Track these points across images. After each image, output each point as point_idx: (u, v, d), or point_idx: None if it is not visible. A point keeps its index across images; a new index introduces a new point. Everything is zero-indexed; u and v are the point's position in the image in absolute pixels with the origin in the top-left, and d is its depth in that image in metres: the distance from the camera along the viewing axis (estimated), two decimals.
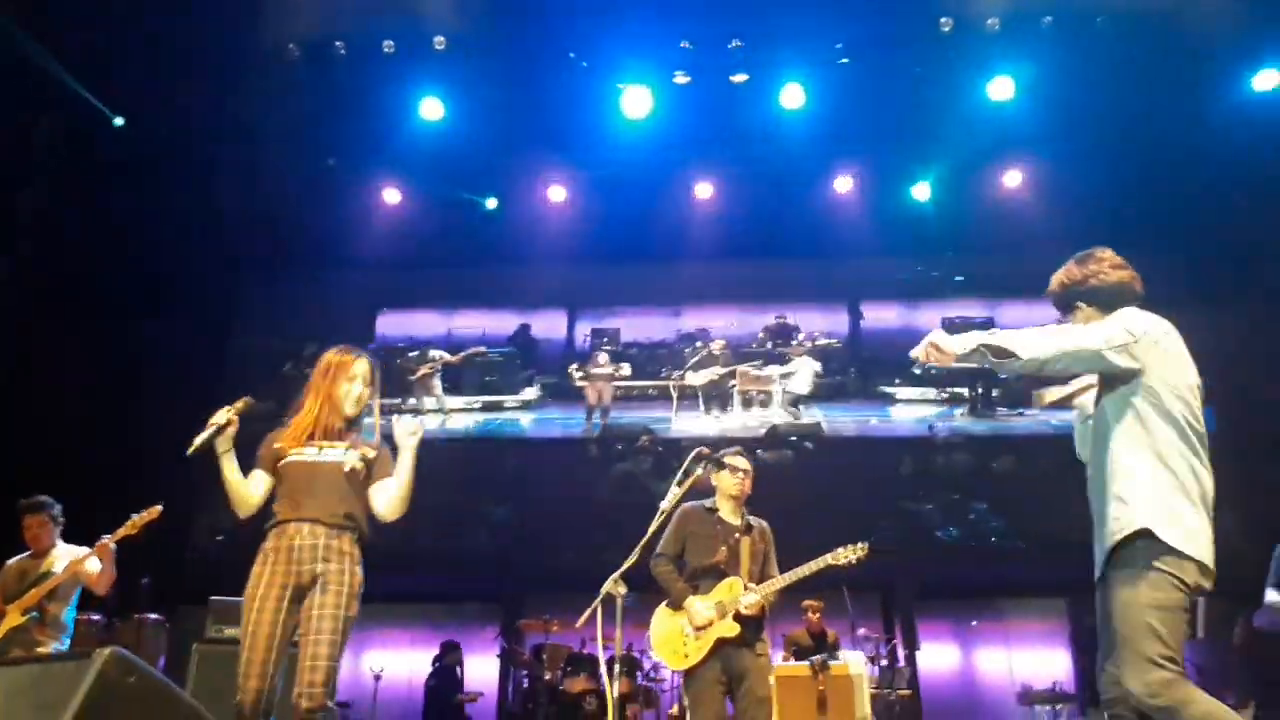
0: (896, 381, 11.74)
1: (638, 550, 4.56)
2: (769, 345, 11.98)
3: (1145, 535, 2.87)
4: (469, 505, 10.86)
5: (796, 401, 11.59)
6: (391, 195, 10.76)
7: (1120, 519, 2.93)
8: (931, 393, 11.64)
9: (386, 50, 9.00)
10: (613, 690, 4.46)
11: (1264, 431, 9.04)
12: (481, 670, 9.69)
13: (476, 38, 8.94)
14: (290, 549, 3.55)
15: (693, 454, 4.60)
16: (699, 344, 12.04)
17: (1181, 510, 2.89)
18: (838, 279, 11.98)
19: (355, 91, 9.31)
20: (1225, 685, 7.46)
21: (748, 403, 11.69)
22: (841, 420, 11.58)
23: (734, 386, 11.72)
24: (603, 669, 4.58)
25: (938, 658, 9.98)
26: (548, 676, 7.97)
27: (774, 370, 11.74)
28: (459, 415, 11.79)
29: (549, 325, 12.28)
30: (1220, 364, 10.11)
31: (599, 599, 4.42)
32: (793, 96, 9.22)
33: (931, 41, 8.91)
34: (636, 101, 9.28)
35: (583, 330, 12.21)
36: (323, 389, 3.81)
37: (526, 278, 11.74)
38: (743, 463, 4.91)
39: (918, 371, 11.39)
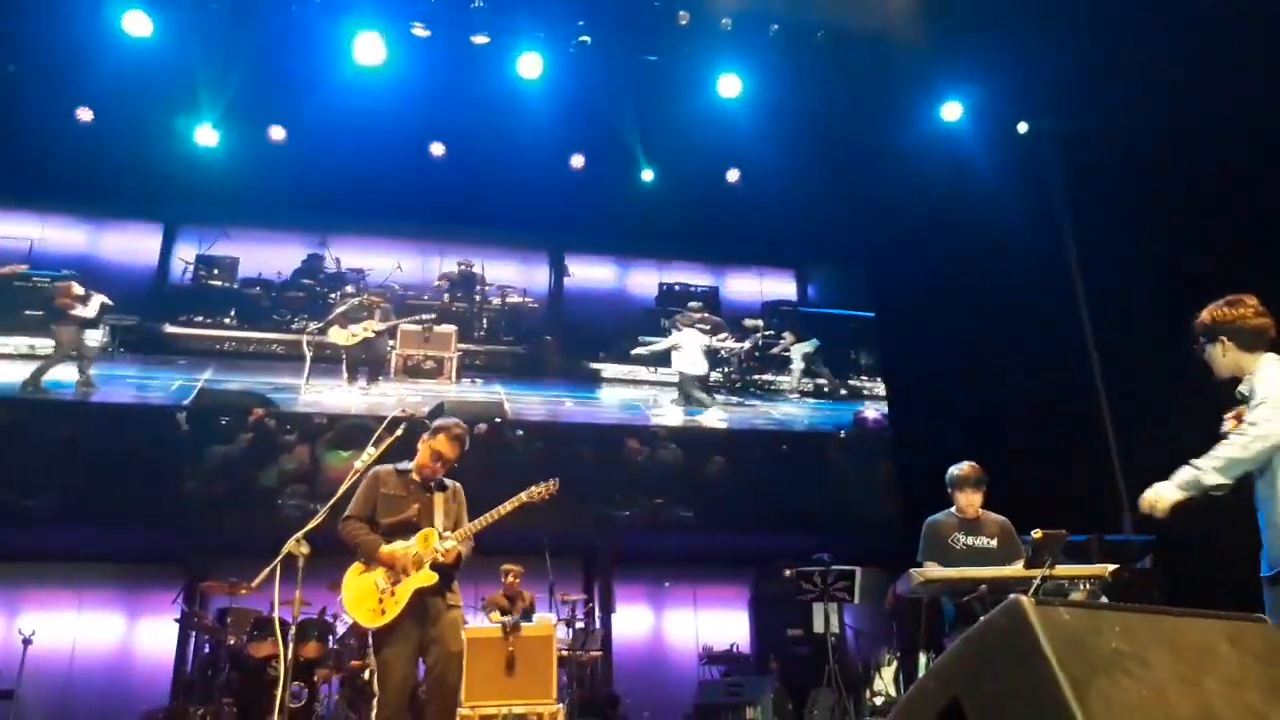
0: (603, 355, 9.73)
1: (325, 510, 4.48)
2: (446, 298, 9.42)
3: None
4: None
5: (692, 385, 9.50)
6: (84, 114, 9.41)
7: None
8: (642, 373, 9.81)
9: None
10: (287, 652, 4.32)
11: (934, 429, 10.09)
12: (157, 636, 9.02)
13: None
14: None
15: (390, 417, 4.55)
16: (350, 289, 9.23)
17: None
18: (543, 230, 9.96)
19: None
20: (877, 644, 8.42)
21: (412, 371, 9.17)
22: (529, 400, 9.42)
23: (393, 349, 9.17)
24: (278, 631, 4.42)
25: (632, 621, 10.44)
26: (232, 641, 7.56)
27: (449, 330, 9.25)
28: None
29: (134, 244, 9.00)
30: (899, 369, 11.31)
31: (279, 558, 4.28)
32: (531, 66, 9.20)
33: (668, 33, 9.22)
34: (369, 49, 8.87)
35: (184, 254, 9.07)
36: None
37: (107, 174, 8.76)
38: (455, 451, 4.70)
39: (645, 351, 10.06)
